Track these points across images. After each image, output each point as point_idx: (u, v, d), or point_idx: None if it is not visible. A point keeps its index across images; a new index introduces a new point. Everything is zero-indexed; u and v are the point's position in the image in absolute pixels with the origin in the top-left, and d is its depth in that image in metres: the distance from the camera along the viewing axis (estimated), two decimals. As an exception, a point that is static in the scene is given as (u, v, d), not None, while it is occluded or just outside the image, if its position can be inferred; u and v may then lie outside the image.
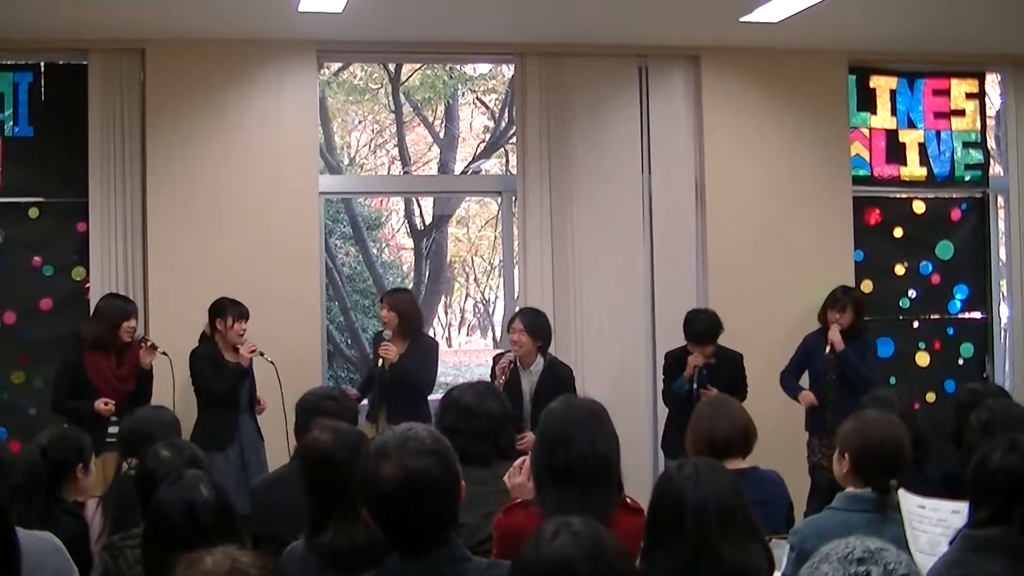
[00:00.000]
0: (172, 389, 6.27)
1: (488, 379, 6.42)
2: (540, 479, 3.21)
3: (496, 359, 6.69)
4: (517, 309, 6.95)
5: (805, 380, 7.04)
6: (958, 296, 8.23)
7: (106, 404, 6.02)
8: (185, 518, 2.70)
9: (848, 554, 1.89)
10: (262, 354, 6.43)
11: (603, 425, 3.24)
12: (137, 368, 6.25)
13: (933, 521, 3.26)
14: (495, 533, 3.24)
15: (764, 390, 6.75)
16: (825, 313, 6.93)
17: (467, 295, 19.37)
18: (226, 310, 6.42)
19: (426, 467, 2.43)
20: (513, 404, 6.26)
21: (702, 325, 6.67)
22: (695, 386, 6.58)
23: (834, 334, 6.78)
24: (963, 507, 3.07)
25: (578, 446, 3.13)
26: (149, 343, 6.31)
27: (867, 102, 8.04)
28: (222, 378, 6.34)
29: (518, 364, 6.48)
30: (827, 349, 6.77)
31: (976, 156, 8.21)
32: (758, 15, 6.78)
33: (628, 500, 3.28)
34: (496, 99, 13.62)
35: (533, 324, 6.48)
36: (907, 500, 3.33)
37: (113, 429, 5.87)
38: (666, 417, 6.94)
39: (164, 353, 6.33)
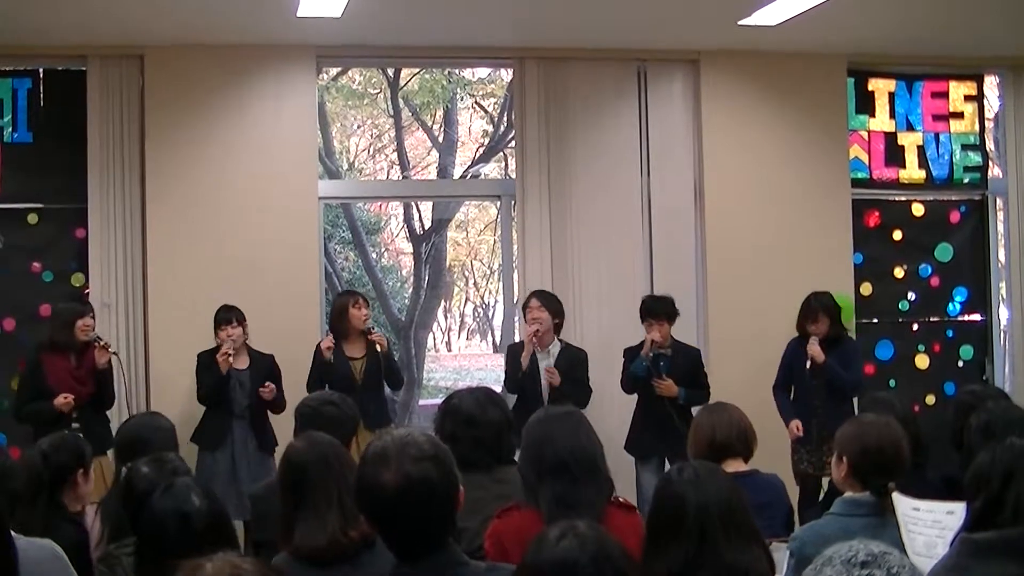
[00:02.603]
0: (146, 387, 6.31)
1: (487, 383, 6.47)
2: (530, 480, 3.24)
3: (514, 347, 6.79)
4: (536, 290, 6.97)
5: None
6: (957, 298, 8.23)
7: (65, 398, 6.01)
8: (178, 527, 2.69)
9: (851, 557, 1.89)
10: (229, 356, 6.35)
11: (584, 425, 3.35)
12: (95, 369, 6.24)
13: (928, 523, 3.26)
14: (489, 537, 3.25)
15: (761, 393, 6.72)
16: (802, 324, 6.76)
17: (467, 299, 19.39)
18: (215, 319, 6.47)
19: (426, 473, 2.43)
20: (532, 382, 6.43)
21: (656, 302, 6.74)
22: (652, 369, 6.55)
23: (813, 347, 6.59)
24: (958, 508, 3.07)
25: (564, 441, 3.23)
26: (102, 343, 6.28)
27: (866, 105, 8.04)
28: (208, 381, 6.39)
29: (535, 346, 6.61)
30: (808, 364, 6.62)
31: (975, 158, 8.22)
32: (756, 18, 6.79)
33: (620, 499, 3.33)
34: (495, 103, 13.65)
35: (550, 302, 6.71)
36: (901, 503, 3.33)
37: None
38: (631, 419, 6.85)
39: (115, 353, 6.34)
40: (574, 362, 6.66)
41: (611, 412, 6.87)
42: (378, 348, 6.59)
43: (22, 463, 3.92)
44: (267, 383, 6.39)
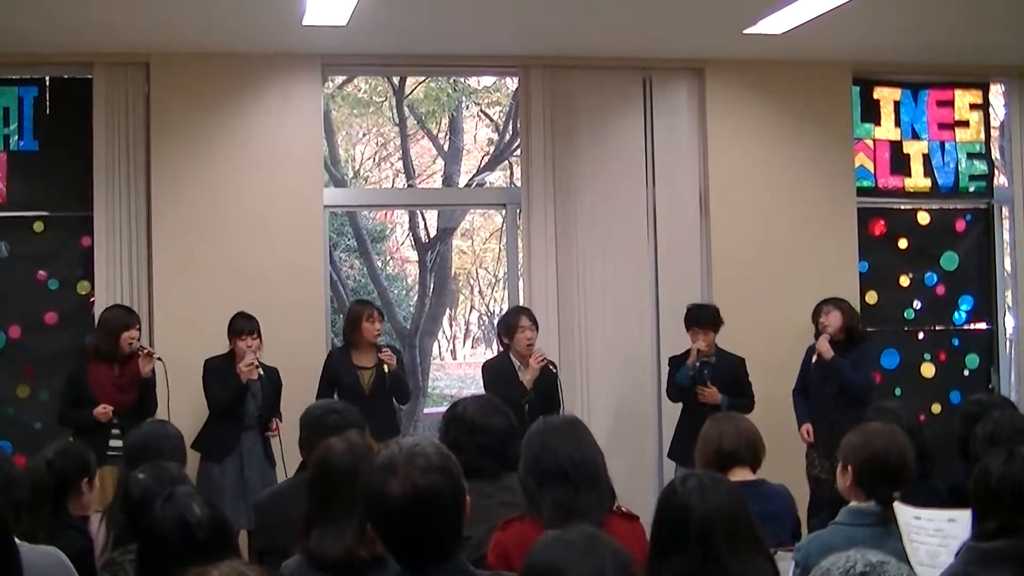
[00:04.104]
0: (167, 395, 6.29)
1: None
2: (531, 490, 3.24)
3: (489, 362, 6.79)
4: (518, 307, 7.07)
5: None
6: (963, 307, 8.21)
7: (104, 409, 6.06)
8: (180, 535, 2.69)
9: (849, 568, 1.89)
10: (258, 367, 6.39)
11: (583, 433, 3.36)
12: (138, 378, 6.26)
13: (930, 532, 3.25)
14: (493, 549, 3.24)
15: (768, 401, 6.75)
16: (815, 323, 6.91)
17: (472, 307, 19.36)
18: (231, 327, 6.48)
19: (434, 484, 2.42)
20: (515, 395, 6.41)
21: (701, 311, 6.78)
22: (696, 378, 6.59)
23: (821, 343, 6.73)
24: (959, 515, 3.06)
25: (564, 450, 3.24)
26: (145, 351, 6.31)
27: (871, 113, 8.04)
28: (225, 390, 6.36)
29: (516, 361, 6.60)
30: (813, 358, 6.75)
31: (980, 167, 8.21)
32: (762, 27, 6.79)
33: (623, 509, 3.32)
34: (500, 111, 13.64)
35: (535, 320, 6.76)
36: (903, 512, 3.32)
37: (116, 443, 5.92)
38: (675, 426, 6.93)
39: (159, 359, 6.33)
40: (548, 376, 6.61)
41: (642, 419, 6.95)
42: (385, 369, 6.58)
43: (27, 471, 3.93)
44: (273, 421, 6.44)
